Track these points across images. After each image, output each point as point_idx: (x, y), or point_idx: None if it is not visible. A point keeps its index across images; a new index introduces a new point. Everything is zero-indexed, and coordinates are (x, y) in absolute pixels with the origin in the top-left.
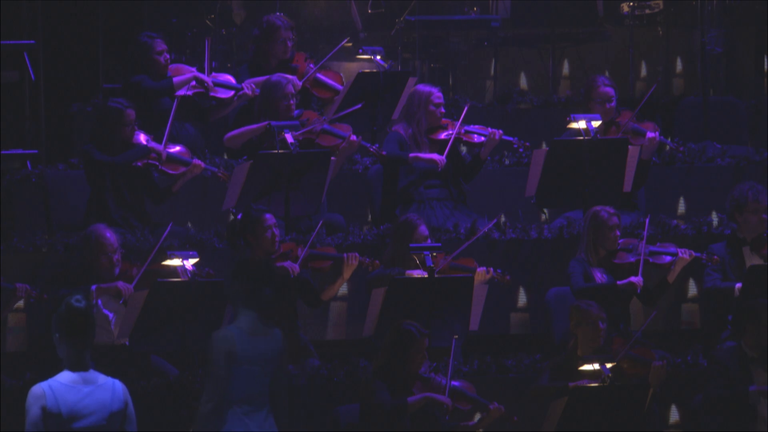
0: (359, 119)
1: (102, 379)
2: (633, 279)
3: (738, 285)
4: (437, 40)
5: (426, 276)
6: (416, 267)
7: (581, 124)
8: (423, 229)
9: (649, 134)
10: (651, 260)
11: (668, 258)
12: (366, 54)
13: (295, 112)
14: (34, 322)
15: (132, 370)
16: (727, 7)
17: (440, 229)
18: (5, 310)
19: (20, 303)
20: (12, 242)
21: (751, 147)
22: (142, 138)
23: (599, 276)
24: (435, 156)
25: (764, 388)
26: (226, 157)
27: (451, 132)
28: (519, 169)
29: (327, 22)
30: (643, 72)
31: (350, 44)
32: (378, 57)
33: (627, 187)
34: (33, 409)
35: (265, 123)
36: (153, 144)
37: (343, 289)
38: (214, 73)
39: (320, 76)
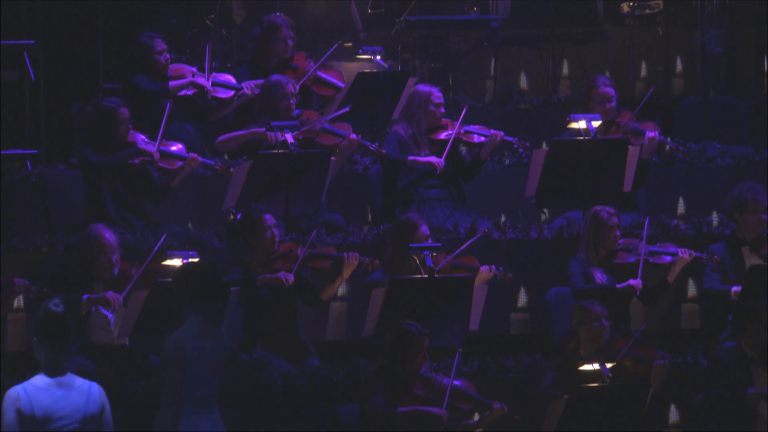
0: (359, 119)
1: (78, 382)
2: (632, 282)
3: (734, 288)
4: (437, 40)
5: (426, 276)
6: (416, 267)
7: (581, 124)
8: (424, 229)
9: (649, 134)
10: (651, 260)
11: (668, 258)
12: (366, 54)
13: (295, 112)
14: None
15: (132, 370)
16: (727, 7)
17: (440, 229)
18: (4, 306)
19: (20, 303)
20: (12, 242)
21: (751, 147)
22: (139, 138)
23: (599, 276)
24: (433, 159)
25: (763, 390)
26: (226, 157)
27: (451, 132)
28: (519, 169)
29: (327, 22)
30: (643, 72)
31: (350, 44)
32: (378, 57)
33: (627, 187)
34: (8, 412)
35: (254, 130)
36: (146, 146)
37: (343, 289)
38: (214, 73)
39: (321, 73)
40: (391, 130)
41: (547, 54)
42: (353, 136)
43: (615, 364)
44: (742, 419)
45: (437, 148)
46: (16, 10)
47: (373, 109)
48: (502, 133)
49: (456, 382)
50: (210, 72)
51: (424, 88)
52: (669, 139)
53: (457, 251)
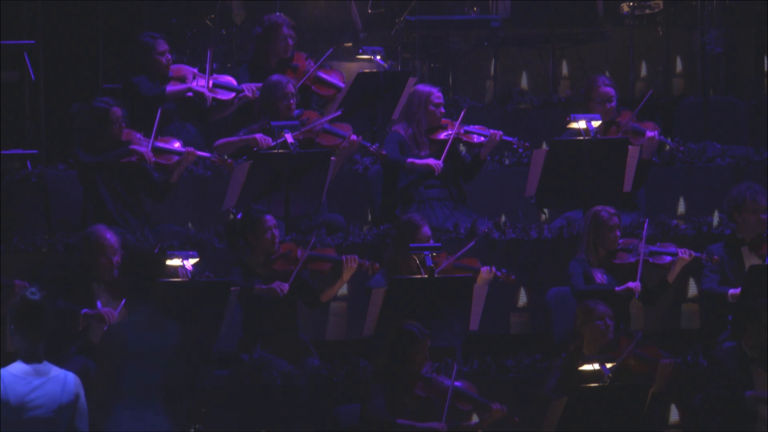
0: (359, 119)
1: (55, 371)
2: (631, 285)
3: (731, 291)
4: (437, 40)
5: (426, 276)
6: (417, 268)
7: (581, 124)
8: (426, 230)
9: (649, 134)
10: (651, 260)
11: (668, 258)
12: (366, 54)
13: (295, 112)
14: None
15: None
16: (727, 7)
17: (440, 229)
18: (4, 307)
19: None
20: (12, 242)
21: (751, 147)
22: (136, 137)
23: (599, 276)
24: (431, 161)
25: (761, 393)
26: (226, 157)
27: (450, 132)
28: (519, 169)
29: (327, 22)
30: (643, 72)
31: (350, 44)
32: (378, 57)
33: (627, 187)
34: None
35: (244, 137)
36: (139, 146)
37: (342, 289)
38: (215, 75)
39: (321, 73)
40: (391, 130)
41: (547, 54)
42: (354, 137)
43: (619, 363)
44: (741, 419)
45: (437, 148)
46: (16, 10)
47: (373, 109)
48: (501, 132)
49: (457, 383)
50: (211, 74)
51: (423, 88)
52: (669, 139)
53: (458, 254)
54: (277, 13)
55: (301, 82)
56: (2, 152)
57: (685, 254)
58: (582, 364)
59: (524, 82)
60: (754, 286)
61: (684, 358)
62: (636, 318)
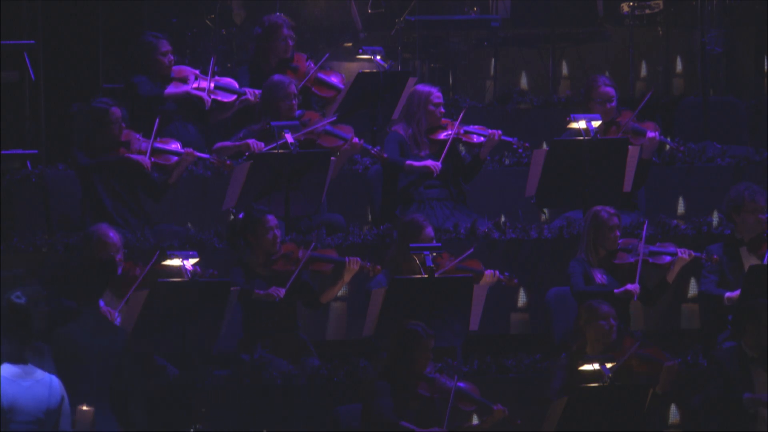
0: (359, 119)
1: (40, 374)
2: (629, 287)
3: (728, 294)
4: (437, 40)
5: (426, 276)
6: (419, 268)
7: (581, 124)
8: (429, 231)
9: (650, 134)
10: (651, 260)
11: (668, 258)
12: (366, 54)
13: (297, 113)
14: None
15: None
16: (727, 7)
17: (440, 229)
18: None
19: None
20: (12, 242)
21: (751, 147)
22: (135, 137)
23: (599, 276)
24: (429, 163)
25: (759, 396)
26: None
27: (450, 132)
28: (519, 169)
29: (327, 22)
30: (643, 72)
31: (350, 44)
32: (378, 57)
33: (627, 187)
34: None
35: (238, 143)
36: (136, 155)
37: (342, 289)
38: (216, 77)
39: (322, 75)
40: (391, 130)
41: (547, 54)
42: (355, 139)
43: (622, 363)
44: (741, 420)
45: (437, 147)
46: (16, 10)
47: (373, 109)
48: (500, 132)
49: (459, 384)
50: (213, 77)
51: (423, 88)
52: (669, 139)
53: (461, 257)
54: (278, 14)
55: (302, 83)
56: (2, 152)
57: (684, 254)
58: (583, 364)
59: (524, 82)
60: (754, 286)
61: (684, 358)
62: (636, 318)
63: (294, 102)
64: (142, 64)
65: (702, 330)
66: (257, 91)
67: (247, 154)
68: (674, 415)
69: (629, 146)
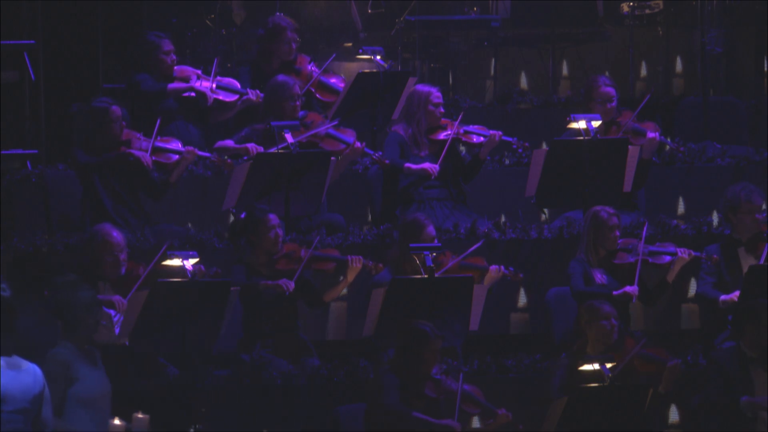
0: (359, 119)
1: (25, 364)
2: (628, 289)
3: (722, 297)
4: (437, 40)
5: (426, 276)
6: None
7: (581, 124)
8: (431, 230)
9: (650, 134)
10: (650, 260)
11: (667, 258)
12: (366, 54)
13: (300, 114)
14: None
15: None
16: (727, 7)
17: (440, 229)
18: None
19: None
20: (12, 242)
21: (751, 147)
22: (135, 137)
23: (599, 276)
24: (426, 165)
25: (757, 399)
26: (226, 157)
27: (450, 132)
28: (519, 169)
29: (327, 22)
30: (643, 72)
31: (350, 44)
32: (378, 57)
33: (627, 187)
34: None
35: (237, 146)
36: (137, 152)
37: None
38: (218, 77)
39: (324, 78)
40: (391, 130)
41: (547, 54)
42: (358, 144)
43: (624, 363)
44: (741, 420)
45: (437, 148)
46: (16, 10)
47: (373, 109)
48: (500, 132)
49: (465, 386)
50: (215, 77)
51: (423, 88)
52: (669, 139)
53: (465, 254)
54: (282, 15)
55: (306, 88)
56: (2, 152)
57: (684, 254)
58: (583, 364)
59: (524, 82)
60: (754, 286)
61: (684, 358)
62: (636, 318)
63: (298, 103)
64: (144, 63)
65: (702, 330)
66: (259, 92)
67: (245, 157)
68: (674, 415)
69: (629, 146)
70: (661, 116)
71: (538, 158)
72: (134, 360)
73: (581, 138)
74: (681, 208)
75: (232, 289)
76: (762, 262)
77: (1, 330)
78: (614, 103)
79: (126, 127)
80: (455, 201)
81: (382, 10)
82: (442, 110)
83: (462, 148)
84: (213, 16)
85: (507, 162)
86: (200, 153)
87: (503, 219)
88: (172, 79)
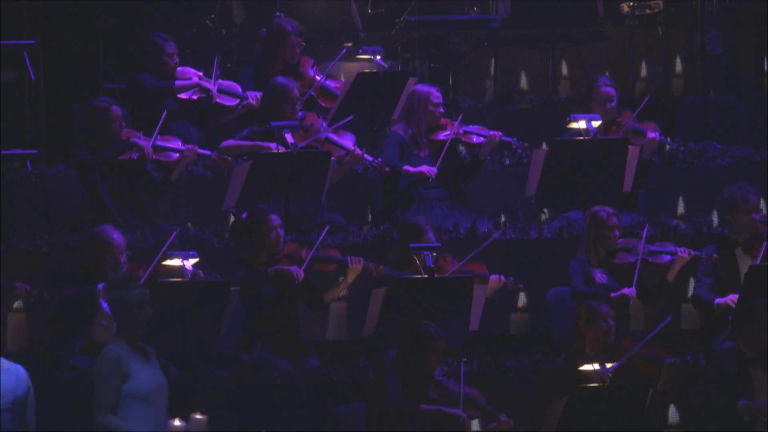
0: (359, 119)
1: (6, 364)
2: (626, 291)
3: (717, 301)
4: (437, 40)
5: (426, 276)
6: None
7: (581, 124)
8: (430, 236)
9: (650, 134)
10: (650, 260)
11: (667, 257)
12: (366, 54)
13: (299, 114)
14: (34, 322)
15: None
16: (727, 7)
17: (440, 229)
18: (4, 309)
19: (19, 303)
20: (12, 242)
21: (751, 147)
22: (136, 135)
23: (599, 276)
24: (424, 168)
25: (754, 403)
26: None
27: (450, 132)
28: (519, 169)
29: (327, 22)
30: (643, 72)
31: (350, 44)
32: (378, 57)
33: (627, 187)
34: None
35: (258, 143)
36: (138, 140)
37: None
38: (220, 80)
39: (327, 83)
40: (391, 130)
41: (547, 54)
42: (358, 150)
43: (623, 362)
44: (741, 420)
45: (437, 148)
46: (16, 10)
47: (373, 109)
48: (500, 133)
49: (466, 389)
50: (216, 79)
51: (422, 88)
52: (669, 139)
53: (468, 257)
54: (286, 18)
55: (307, 94)
56: (2, 152)
57: (684, 253)
58: (582, 364)
59: (524, 82)
60: (753, 286)
61: (684, 358)
62: (636, 318)
63: (297, 106)
64: (146, 63)
65: (702, 330)
66: (258, 95)
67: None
68: (674, 415)
69: (629, 146)
70: (661, 116)
71: (538, 158)
72: None
73: (581, 138)
74: (681, 208)
75: (232, 289)
76: (758, 261)
77: None
78: (614, 103)
79: (126, 127)
80: (455, 201)
81: (382, 10)
82: (441, 110)
83: (462, 149)
84: (213, 16)
85: (507, 162)
86: (201, 151)
87: (503, 219)
88: (175, 80)
